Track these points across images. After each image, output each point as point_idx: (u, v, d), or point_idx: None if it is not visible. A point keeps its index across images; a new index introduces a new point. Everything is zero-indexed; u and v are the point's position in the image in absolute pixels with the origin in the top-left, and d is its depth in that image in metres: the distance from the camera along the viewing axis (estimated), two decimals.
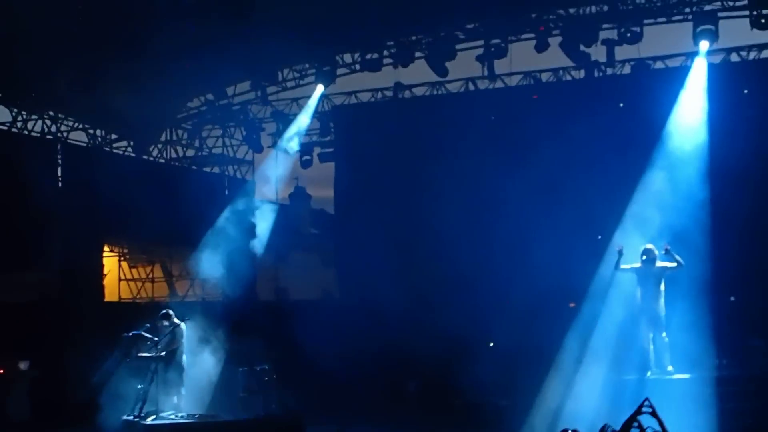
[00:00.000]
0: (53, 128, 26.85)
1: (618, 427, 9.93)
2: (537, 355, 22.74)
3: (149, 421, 19.19)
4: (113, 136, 28.47)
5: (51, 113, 26.79)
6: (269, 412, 19.97)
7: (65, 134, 27.31)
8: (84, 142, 27.54)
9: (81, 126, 27.54)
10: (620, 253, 17.83)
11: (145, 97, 25.12)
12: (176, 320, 20.02)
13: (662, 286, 17.65)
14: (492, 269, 24.74)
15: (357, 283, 27.43)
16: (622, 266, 17.83)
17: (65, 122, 27.26)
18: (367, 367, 23.79)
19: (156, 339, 19.79)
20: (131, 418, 19.49)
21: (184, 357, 19.90)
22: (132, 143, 28.78)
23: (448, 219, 25.48)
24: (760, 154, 22.43)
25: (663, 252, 17.77)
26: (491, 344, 26.39)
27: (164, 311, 20.22)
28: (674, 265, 17.67)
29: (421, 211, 26.42)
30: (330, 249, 31.51)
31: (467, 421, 20.76)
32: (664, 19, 24.78)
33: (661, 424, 10.07)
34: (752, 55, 24.91)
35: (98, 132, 27.82)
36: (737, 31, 24.02)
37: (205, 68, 24.75)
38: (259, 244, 24.56)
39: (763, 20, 22.61)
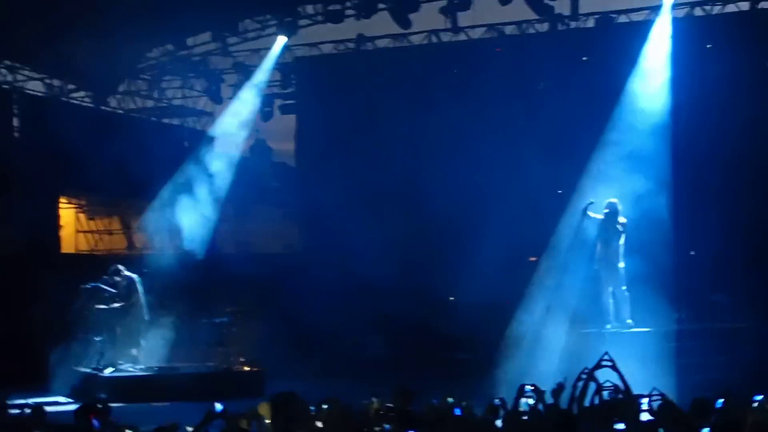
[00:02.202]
0: (9, 78, 26.43)
1: (575, 381, 9.89)
2: (499, 310, 22.79)
3: (107, 372, 19.12)
4: (71, 87, 28.06)
5: (7, 62, 26.35)
6: (229, 364, 19.94)
7: (22, 84, 26.89)
8: (41, 92, 27.14)
9: (38, 76, 27.12)
10: (591, 202, 17.79)
11: (103, 46, 24.71)
12: (128, 273, 19.87)
13: (622, 240, 17.66)
14: (455, 223, 24.72)
15: (319, 237, 27.34)
16: (589, 213, 17.80)
17: (21, 72, 26.84)
18: (330, 322, 23.74)
19: (114, 292, 19.67)
20: (90, 370, 19.42)
21: (143, 309, 19.79)
22: (90, 94, 28.37)
23: (411, 172, 25.39)
24: (723, 110, 22.41)
25: None
26: (452, 299, 26.43)
27: (114, 266, 20.09)
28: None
29: (383, 164, 26.28)
30: (292, 202, 31.35)
31: (430, 375, 20.75)
32: None
33: (621, 377, 10.03)
34: (716, 9, 24.82)
35: (55, 82, 27.41)
36: None
37: (164, 18, 24.37)
38: (219, 197, 24.32)
39: None
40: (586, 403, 9.63)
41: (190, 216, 22.83)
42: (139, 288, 19.74)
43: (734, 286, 21.44)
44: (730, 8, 24.55)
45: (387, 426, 9.31)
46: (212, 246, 24.17)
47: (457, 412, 9.94)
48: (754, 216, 22.53)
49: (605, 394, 9.77)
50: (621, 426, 9.01)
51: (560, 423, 8.64)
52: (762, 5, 24.06)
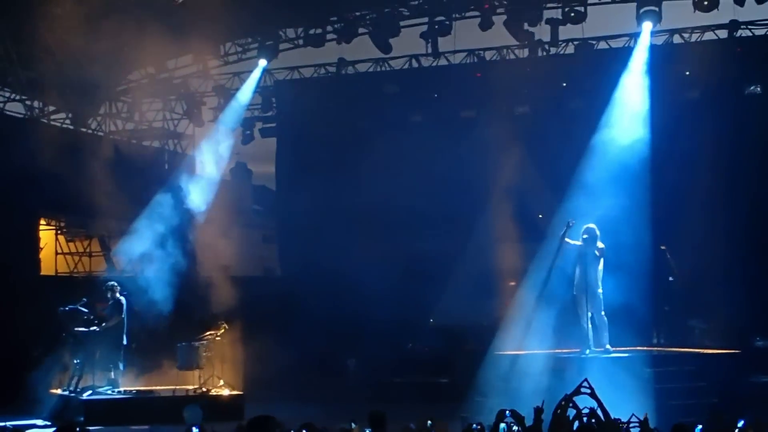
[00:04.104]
0: None
1: (554, 406, 9.92)
2: (478, 333, 22.86)
3: (85, 396, 19.04)
4: (51, 108, 27.99)
5: None
6: (208, 388, 19.88)
7: (1, 105, 26.81)
8: (21, 114, 27.06)
9: (18, 97, 27.04)
10: (569, 225, 17.79)
11: (83, 69, 24.68)
12: (118, 295, 19.85)
13: (601, 265, 17.72)
14: (435, 245, 24.78)
15: (298, 260, 27.35)
16: (567, 239, 17.83)
17: (1, 93, 26.76)
18: (306, 345, 23.74)
19: (92, 316, 19.61)
20: (67, 392, 19.33)
21: (123, 332, 19.74)
22: (70, 115, 28.30)
23: (390, 196, 25.43)
24: (701, 136, 22.56)
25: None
26: (431, 321, 26.48)
27: (110, 283, 20.04)
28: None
29: (363, 188, 26.31)
30: (271, 225, 31.36)
31: (406, 397, 20.77)
32: (608, 0, 24.86)
33: (600, 404, 10.07)
34: (694, 36, 25.05)
35: (35, 104, 27.34)
36: (680, 12, 24.14)
37: (145, 41, 24.36)
38: (198, 220, 24.29)
39: (705, 2, 22.73)
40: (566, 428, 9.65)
41: (168, 239, 22.76)
42: (124, 310, 19.69)
43: (711, 311, 21.57)
44: (709, 35, 24.79)
45: None
46: (191, 269, 24.08)
47: None
48: (731, 241, 22.66)
49: (584, 419, 9.80)
50: None
51: None
52: (740, 33, 24.29)
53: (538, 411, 10.05)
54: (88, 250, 27.59)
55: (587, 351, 17.37)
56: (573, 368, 16.37)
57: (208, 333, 20.37)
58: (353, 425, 10.49)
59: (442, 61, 27.02)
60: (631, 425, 9.85)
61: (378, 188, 25.72)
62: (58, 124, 27.93)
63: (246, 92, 27.74)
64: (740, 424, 10.21)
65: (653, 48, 23.82)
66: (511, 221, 23.58)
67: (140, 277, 21.60)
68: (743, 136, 23.34)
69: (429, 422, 10.71)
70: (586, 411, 9.97)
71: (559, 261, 18.26)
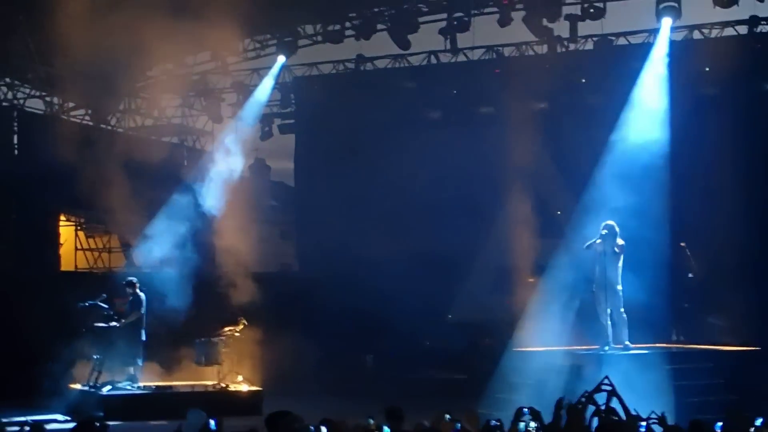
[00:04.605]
0: (9, 95, 26.47)
1: (574, 401, 9.90)
2: (496, 329, 22.83)
3: (105, 391, 19.10)
4: (70, 104, 28.09)
5: (7, 80, 26.40)
6: (227, 383, 19.94)
7: (21, 102, 26.92)
8: (41, 110, 27.17)
9: (38, 93, 27.15)
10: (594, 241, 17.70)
11: (102, 65, 24.75)
12: (138, 291, 19.91)
13: (620, 262, 17.66)
14: (453, 242, 24.75)
15: (316, 256, 27.38)
16: (587, 243, 17.79)
17: (21, 89, 26.87)
18: (324, 341, 23.77)
19: (111, 311, 19.67)
20: (87, 388, 19.40)
21: (143, 328, 19.79)
22: (89, 112, 28.39)
23: (408, 192, 25.44)
24: (720, 133, 22.46)
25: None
26: (449, 317, 26.48)
27: (130, 278, 20.10)
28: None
29: (380, 184, 26.34)
30: (289, 221, 31.40)
31: (424, 393, 20.75)
32: None
33: (621, 401, 10.05)
34: (714, 32, 24.95)
35: (55, 100, 27.44)
36: (699, 8, 24.07)
37: (164, 36, 24.41)
38: (216, 217, 24.33)
39: None
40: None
41: (187, 235, 22.81)
42: (143, 306, 19.75)
43: (730, 308, 21.50)
44: (729, 32, 24.69)
45: None
46: (211, 265, 24.13)
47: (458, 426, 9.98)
48: (750, 238, 22.58)
49: (604, 416, 9.78)
50: None
51: None
52: (760, 29, 24.19)
53: (558, 405, 10.02)
54: (107, 246, 27.69)
55: (606, 348, 17.33)
56: (592, 365, 16.34)
57: (226, 329, 20.41)
58: (371, 421, 10.49)
59: (461, 57, 26.98)
60: (651, 422, 9.81)
61: (396, 184, 25.74)
62: (78, 121, 28.03)
63: (265, 88, 27.75)
64: (758, 422, 10.16)
65: (672, 44, 23.71)
66: (530, 217, 23.55)
67: (159, 273, 21.67)
68: (762, 133, 23.25)
69: (447, 416, 10.68)
70: (605, 408, 9.95)
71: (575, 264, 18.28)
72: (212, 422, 9.01)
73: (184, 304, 21.14)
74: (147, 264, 22.68)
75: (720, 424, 10.03)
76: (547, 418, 9.92)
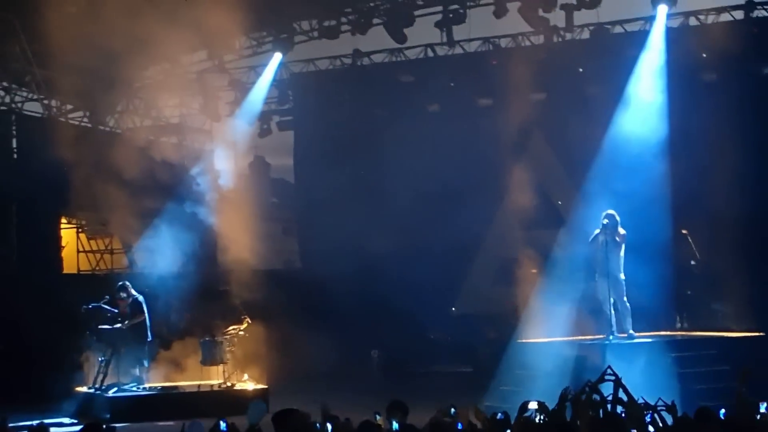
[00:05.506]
0: (7, 99, 26.47)
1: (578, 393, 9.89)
2: (500, 321, 22.83)
3: (111, 393, 19.10)
4: (69, 107, 28.09)
5: (5, 84, 26.40)
6: (232, 382, 19.94)
7: (20, 105, 26.91)
8: (39, 113, 27.16)
9: (36, 97, 27.14)
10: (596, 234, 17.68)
11: (99, 66, 24.74)
12: (134, 292, 19.87)
13: (622, 251, 17.64)
14: (454, 235, 24.77)
15: (318, 252, 27.39)
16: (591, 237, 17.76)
17: (19, 93, 26.86)
18: (329, 337, 23.77)
19: (116, 312, 19.67)
20: (93, 390, 19.40)
21: (147, 329, 19.79)
22: (88, 113, 28.39)
23: (408, 186, 25.45)
24: (719, 118, 22.46)
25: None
26: (453, 309, 26.50)
27: (121, 283, 20.06)
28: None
29: (380, 178, 26.36)
30: (291, 218, 31.41)
31: (429, 387, 20.77)
32: None
33: (625, 390, 10.04)
34: (710, 18, 24.94)
35: (53, 102, 27.43)
36: None
37: (160, 37, 24.40)
38: (217, 215, 24.33)
39: None
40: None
41: (188, 234, 22.81)
42: (144, 307, 19.74)
43: (733, 294, 21.48)
44: (725, 17, 24.68)
45: None
46: (213, 264, 24.16)
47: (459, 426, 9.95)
48: (752, 223, 22.59)
49: (608, 407, 9.78)
50: None
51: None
52: (756, 13, 24.17)
53: (563, 396, 10.01)
54: (109, 247, 27.67)
55: (611, 337, 17.32)
56: (596, 354, 16.33)
57: (231, 328, 20.41)
58: (378, 417, 10.48)
59: (458, 50, 27.01)
60: (659, 407, 9.80)
61: (395, 178, 25.75)
62: (76, 122, 28.02)
63: (262, 86, 27.77)
64: (763, 407, 10.16)
65: (669, 31, 23.71)
66: (531, 208, 23.55)
67: (161, 273, 21.66)
68: (761, 117, 23.24)
69: (452, 409, 10.68)
70: (610, 398, 9.95)
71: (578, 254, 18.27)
72: (223, 424, 9.00)
73: (187, 303, 21.14)
74: (149, 264, 22.67)
75: (724, 411, 10.03)
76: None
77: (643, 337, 17.64)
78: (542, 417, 9.85)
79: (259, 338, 20.82)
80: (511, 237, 24.47)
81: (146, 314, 19.74)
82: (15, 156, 25.42)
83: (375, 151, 26.65)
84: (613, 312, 17.53)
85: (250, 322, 20.55)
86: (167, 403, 19.13)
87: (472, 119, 26.14)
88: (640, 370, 14.60)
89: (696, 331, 19.90)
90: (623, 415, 9.66)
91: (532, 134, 25.20)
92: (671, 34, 23.73)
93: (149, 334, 19.80)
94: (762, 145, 23.09)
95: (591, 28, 25.51)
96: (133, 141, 25.76)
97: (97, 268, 27.31)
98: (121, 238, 26.67)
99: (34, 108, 27.17)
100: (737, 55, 23.16)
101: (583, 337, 18.11)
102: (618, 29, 25.72)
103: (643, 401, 9.91)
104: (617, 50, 24.79)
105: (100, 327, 19.62)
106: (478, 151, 25.16)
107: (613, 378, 10.12)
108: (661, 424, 9.46)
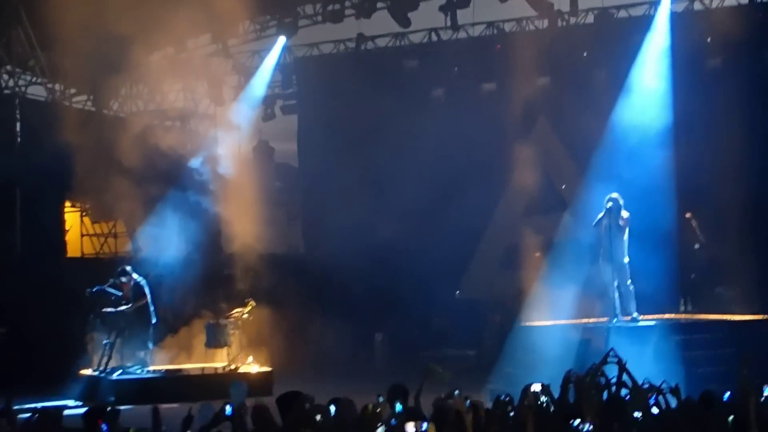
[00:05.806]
0: (11, 83, 26.45)
1: (582, 376, 9.92)
2: (504, 305, 22.84)
3: (115, 376, 19.16)
4: (72, 91, 28.07)
5: (8, 68, 26.38)
6: (237, 365, 19.98)
7: (23, 89, 26.90)
8: (42, 97, 27.14)
9: (39, 81, 27.14)
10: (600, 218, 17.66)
11: (102, 50, 24.71)
12: (135, 276, 19.90)
13: (626, 235, 17.64)
14: (458, 220, 24.76)
15: (322, 237, 27.40)
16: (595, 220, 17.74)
17: (23, 77, 26.85)
18: (333, 320, 23.81)
19: (120, 294, 19.71)
20: (97, 373, 19.46)
21: (150, 312, 19.83)
22: (92, 98, 28.37)
23: (412, 170, 25.43)
24: (724, 102, 22.43)
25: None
26: (457, 293, 26.51)
27: (121, 267, 20.10)
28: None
29: (384, 163, 26.35)
30: (295, 202, 31.39)
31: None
32: None
33: (628, 374, 10.07)
34: (715, 3, 24.87)
35: (57, 86, 27.41)
36: None
37: (164, 20, 24.39)
38: (222, 200, 24.34)
39: None
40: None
41: (192, 219, 22.84)
42: (147, 290, 19.77)
43: (737, 277, 21.48)
44: (730, 2, 24.61)
45: (393, 421, 9.32)
46: (217, 247, 24.17)
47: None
48: (756, 207, 22.58)
49: (613, 389, 9.80)
50: (638, 414, 9.06)
51: (568, 415, 8.71)
52: None
53: (567, 379, 10.03)
54: (113, 231, 27.68)
55: (615, 320, 17.33)
56: (601, 338, 16.34)
57: (235, 311, 20.45)
58: (381, 399, 10.49)
59: (462, 34, 26.95)
60: (663, 390, 9.81)
61: (399, 163, 25.73)
62: (80, 107, 28.01)
63: (266, 70, 27.74)
64: (767, 391, 10.17)
65: (674, 15, 23.66)
66: (535, 192, 23.55)
67: (166, 257, 21.69)
68: (766, 103, 23.20)
69: (456, 392, 10.69)
70: (614, 381, 9.97)
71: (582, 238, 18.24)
72: (228, 408, 8.98)
73: (191, 288, 21.18)
74: (153, 248, 22.69)
75: (729, 393, 10.04)
76: (556, 392, 9.93)
77: (648, 320, 17.65)
78: (546, 400, 9.87)
79: (263, 322, 20.88)
80: (516, 221, 24.46)
81: (149, 297, 19.78)
82: (19, 140, 25.41)
83: (378, 135, 26.61)
84: (617, 295, 17.54)
85: (254, 305, 20.60)
86: (172, 385, 19.19)
87: (476, 103, 26.10)
88: (644, 353, 14.58)
89: (700, 314, 19.90)
90: (627, 397, 9.69)
91: (537, 119, 25.15)
92: (676, 18, 23.68)
93: (153, 317, 19.84)
94: (765, 128, 23.05)
95: (595, 12, 25.46)
96: (137, 125, 25.82)
97: (101, 252, 27.34)
98: (124, 221, 26.70)
99: (37, 92, 27.18)
100: (742, 40, 23.10)
101: (587, 321, 18.11)
102: (622, 13, 25.66)
103: (647, 384, 9.93)
104: (622, 35, 24.73)
105: (104, 310, 19.68)
106: (482, 136, 25.12)
107: (615, 361, 10.14)
108: (665, 407, 9.48)
